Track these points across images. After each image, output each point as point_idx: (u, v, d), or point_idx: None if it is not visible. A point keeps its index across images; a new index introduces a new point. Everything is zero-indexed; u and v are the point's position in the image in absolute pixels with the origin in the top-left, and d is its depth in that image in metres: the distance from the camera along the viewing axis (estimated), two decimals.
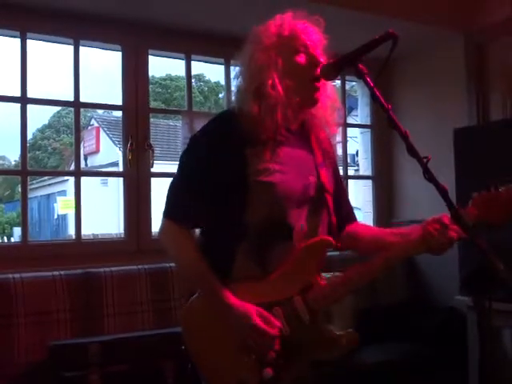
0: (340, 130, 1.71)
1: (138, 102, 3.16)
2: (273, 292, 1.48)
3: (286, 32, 1.51)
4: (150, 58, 3.26)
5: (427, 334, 3.29)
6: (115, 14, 3.02)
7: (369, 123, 4.10)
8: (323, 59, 1.51)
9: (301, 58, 1.51)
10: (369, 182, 4.10)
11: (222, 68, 3.55)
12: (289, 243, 1.50)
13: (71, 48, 3.03)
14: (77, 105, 3.07)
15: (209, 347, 1.49)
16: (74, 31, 3.01)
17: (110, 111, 14.87)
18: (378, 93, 1.35)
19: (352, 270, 1.49)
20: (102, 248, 3.09)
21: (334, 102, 1.60)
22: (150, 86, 3.51)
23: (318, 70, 1.50)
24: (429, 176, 1.27)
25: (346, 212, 1.72)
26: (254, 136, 1.49)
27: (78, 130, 3.13)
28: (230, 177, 1.48)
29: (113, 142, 15.15)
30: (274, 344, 1.44)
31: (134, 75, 3.16)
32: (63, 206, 14.70)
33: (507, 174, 2.23)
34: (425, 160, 1.27)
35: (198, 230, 1.63)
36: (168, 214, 1.55)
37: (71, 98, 3.03)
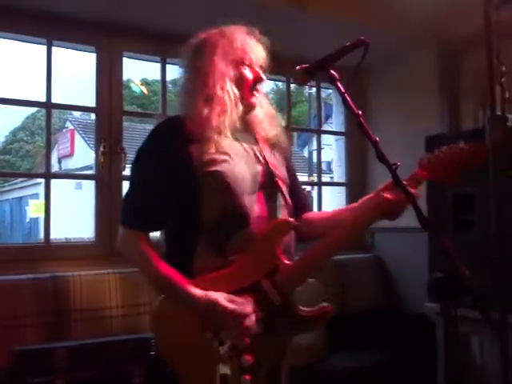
0: (287, 133, 1.82)
1: (112, 104, 3.13)
2: (240, 279, 1.49)
3: (238, 45, 1.64)
4: (128, 61, 3.23)
5: (398, 341, 3.32)
6: (90, 16, 2.99)
7: (343, 130, 4.13)
8: (264, 76, 1.67)
9: (247, 72, 1.64)
10: (343, 189, 4.13)
11: None
12: (247, 230, 1.52)
13: (44, 48, 2.99)
14: (48, 106, 3.03)
15: (184, 348, 1.48)
16: (48, 32, 2.97)
17: (86, 114, 14.69)
18: (348, 98, 1.36)
19: (314, 247, 1.54)
20: (72, 252, 3.03)
21: (269, 109, 1.75)
22: (127, 89, 3.48)
23: (261, 83, 1.66)
24: (398, 182, 1.29)
25: (300, 200, 1.78)
26: (198, 135, 1.54)
27: (49, 132, 3.07)
28: (178, 175, 1.53)
29: (88, 145, 14.98)
30: (250, 324, 1.45)
31: (108, 77, 3.13)
32: (35, 209, 14.46)
33: (477, 182, 2.27)
34: (394, 167, 1.29)
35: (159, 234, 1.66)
36: (123, 221, 1.58)
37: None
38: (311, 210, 1.84)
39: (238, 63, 1.63)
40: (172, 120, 1.65)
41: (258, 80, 1.65)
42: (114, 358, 2.41)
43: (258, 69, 1.66)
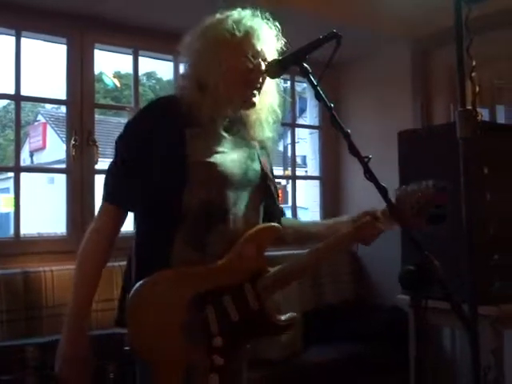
0: (277, 131, 1.72)
1: (83, 97, 3.08)
2: (222, 278, 1.47)
3: (240, 32, 1.51)
4: (100, 53, 3.19)
5: (372, 333, 3.35)
6: (61, 7, 2.93)
7: (317, 124, 4.14)
8: (265, 70, 1.53)
9: (247, 63, 1.52)
10: (317, 183, 4.14)
11: (172, 65, 3.50)
12: (227, 226, 1.49)
13: (13, 40, 2.93)
14: (18, 98, 2.96)
15: (155, 337, 1.44)
16: (17, 22, 2.91)
17: (58, 107, 14.47)
18: (321, 91, 1.35)
19: (300, 260, 1.54)
20: (43, 247, 2.97)
21: (271, 105, 1.63)
22: (99, 82, 3.44)
23: (260, 78, 1.53)
24: (369, 175, 1.29)
25: (279, 207, 1.75)
26: (193, 118, 1.48)
27: (18, 125, 3.02)
28: (167, 156, 1.47)
29: (60, 138, 14.76)
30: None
31: (80, 70, 3.07)
32: (5, 203, 14.21)
33: (449, 175, 2.29)
34: (365, 159, 1.29)
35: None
36: (105, 197, 1.53)
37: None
38: (283, 215, 1.79)
39: (239, 56, 1.51)
40: (167, 98, 1.56)
41: (256, 74, 1.53)
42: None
43: (260, 62, 1.52)
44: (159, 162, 1.46)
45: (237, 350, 1.49)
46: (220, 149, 1.51)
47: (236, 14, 1.55)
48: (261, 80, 1.54)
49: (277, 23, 1.59)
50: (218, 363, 1.42)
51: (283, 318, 1.52)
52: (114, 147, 1.55)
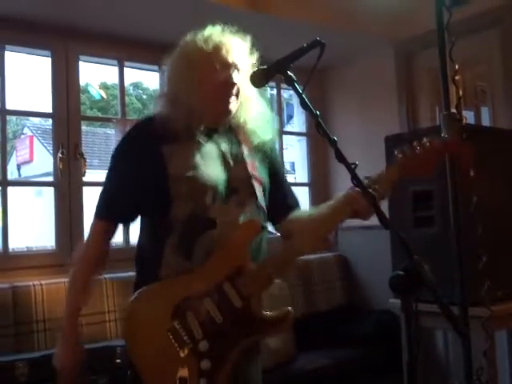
0: (275, 137, 1.75)
1: (69, 109, 3.08)
2: (202, 281, 1.48)
3: (208, 47, 1.56)
4: (86, 65, 3.18)
5: (365, 338, 3.35)
6: (44, 19, 2.93)
7: (305, 131, 4.16)
8: (237, 79, 1.57)
9: (218, 76, 1.55)
10: (305, 189, 4.15)
11: (158, 75, 3.50)
12: (214, 234, 1.50)
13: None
14: (3, 112, 2.95)
15: (148, 349, 1.48)
16: (0, 36, 2.89)
17: (45, 119, 14.43)
18: (306, 99, 1.36)
19: (279, 251, 1.52)
20: (32, 261, 2.95)
21: (262, 109, 1.66)
22: (86, 94, 3.43)
23: (232, 89, 1.57)
24: (357, 182, 1.29)
25: (286, 203, 1.74)
26: (170, 135, 1.52)
27: (4, 139, 2.99)
28: (151, 175, 1.52)
29: (48, 151, 14.67)
30: None
31: (65, 82, 3.07)
32: None
33: (436, 178, 2.31)
34: (352, 166, 1.29)
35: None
36: (94, 215, 1.61)
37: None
38: (298, 208, 1.76)
39: (209, 68, 1.55)
40: (145, 120, 1.62)
41: (226, 82, 1.56)
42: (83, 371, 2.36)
43: (231, 73, 1.56)
44: (145, 182, 1.53)
45: (227, 352, 1.46)
46: (200, 161, 1.53)
47: (206, 31, 1.61)
48: (234, 91, 1.57)
49: (248, 37, 1.63)
50: (206, 367, 1.42)
51: (272, 312, 1.50)
52: (109, 165, 1.64)
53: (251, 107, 1.65)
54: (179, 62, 1.59)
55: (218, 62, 1.56)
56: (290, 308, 1.52)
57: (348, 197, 1.50)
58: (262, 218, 1.62)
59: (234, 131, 1.65)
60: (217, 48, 1.57)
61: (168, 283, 1.50)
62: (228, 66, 1.57)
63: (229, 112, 1.59)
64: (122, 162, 1.61)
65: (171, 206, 1.50)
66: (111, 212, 1.60)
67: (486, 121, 3.36)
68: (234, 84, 1.57)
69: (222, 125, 1.63)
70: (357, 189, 1.38)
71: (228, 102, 1.57)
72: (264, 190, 1.65)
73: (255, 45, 1.63)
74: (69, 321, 1.60)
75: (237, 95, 1.59)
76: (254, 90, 1.62)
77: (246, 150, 1.64)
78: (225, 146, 1.61)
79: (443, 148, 1.51)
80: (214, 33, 1.59)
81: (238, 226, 1.54)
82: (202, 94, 1.55)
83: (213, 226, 1.51)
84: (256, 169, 1.64)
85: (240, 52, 1.60)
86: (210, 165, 1.55)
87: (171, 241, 1.51)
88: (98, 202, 1.62)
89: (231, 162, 1.59)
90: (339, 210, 1.52)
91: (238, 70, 1.58)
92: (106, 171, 1.63)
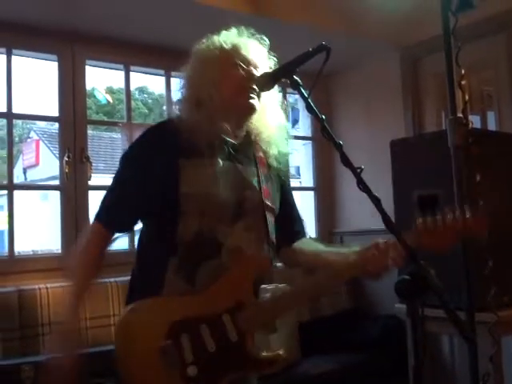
0: (289, 145, 1.71)
1: (76, 113, 3.09)
2: (202, 307, 1.44)
3: (227, 46, 1.54)
4: (92, 69, 3.20)
5: (370, 343, 3.34)
6: (51, 24, 2.95)
7: (310, 135, 4.16)
8: (257, 74, 1.52)
9: (238, 72, 1.51)
10: (311, 193, 4.15)
11: (163, 80, 3.52)
12: (218, 260, 1.46)
13: (4, 57, 2.94)
14: (10, 116, 2.96)
15: (135, 360, 1.43)
16: (7, 40, 2.92)
17: (51, 123, 14.48)
18: (311, 103, 1.36)
19: (284, 293, 1.49)
20: (38, 264, 2.96)
21: (278, 119, 1.62)
22: (92, 98, 3.45)
23: (253, 83, 1.51)
24: (362, 186, 1.28)
25: (293, 229, 1.71)
26: (189, 146, 1.46)
27: (11, 143, 3.02)
28: (161, 188, 1.47)
29: (54, 154, 14.72)
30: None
31: (71, 86, 3.08)
32: (0, 221, 14.14)
33: (442, 183, 2.31)
34: (358, 170, 1.28)
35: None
36: (96, 215, 1.56)
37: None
38: (303, 237, 1.72)
39: (229, 65, 1.51)
40: (161, 125, 1.57)
41: (247, 76, 1.51)
42: (83, 371, 2.36)
43: (251, 69, 1.51)
44: (154, 193, 1.47)
45: (215, 381, 1.42)
46: (214, 179, 1.48)
47: (222, 34, 1.58)
48: (255, 86, 1.51)
49: (264, 37, 1.60)
50: None
51: (266, 353, 1.46)
52: (118, 165, 1.58)
53: (268, 115, 1.60)
54: (198, 65, 1.54)
55: (238, 58, 1.52)
56: (281, 351, 1.48)
57: (363, 256, 1.43)
58: (271, 251, 1.57)
59: (252, 147, 1.60)
60: (236, 46, 1.54)
61: (168, 300, 1.46)
62: (248, 63, 1.52)
63: (252, 108, 1.53)
64: (130, 167, 1.54)
65: (178, 222, 1.45)
66: (109, 219, 1.53)
67: (492, 125, 3.35)
68: (256, 79, 1.51)
69: (244, 128, 1.58)
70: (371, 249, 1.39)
71: (250, 97, 1.52)
72: (274, 217, 1.60)
73: (272, 49, 1.60)
74: (69, 314, 1.51)
75: (258, 94, 1.53)
76: (271, 97, 1.59)
77: (262, 173, 1.59)
78: (242, 167, 1.55)
79: (467, 229, 1.40)
80: (231, 34, 1.57)
81: (247, 257, 1.49)
82: (224, 90, 1.50)
83: (218, 252, 1.46)
84: (270, 196, 1.59)
85: (259, 53, 1.57)
86: (224, 185, 1.49)
87: (174, 261, 1.46)
88: (101, 204, 1.56)
89: (246, 185, 1.54)
90: (349, 266, 1.46)
91: (257, 69, 1.53)
92: (114, 173, 1.57)
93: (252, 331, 1.45)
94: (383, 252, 1.40)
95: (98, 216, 1.54)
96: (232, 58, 1.52)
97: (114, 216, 1.53)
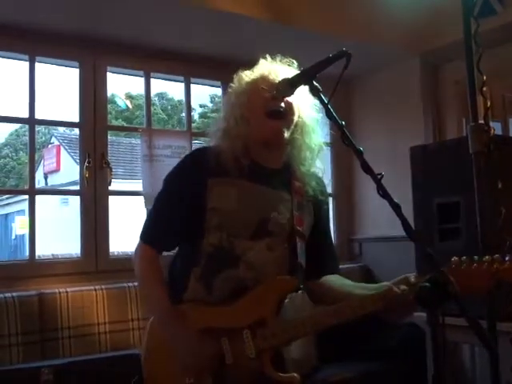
0: (323, 167, 1.74)
1: (96, 119, 3.12)
2: (225, 319, 1.51)
3: (256, 75, 1.62)
4: (112, 75, 3.24)
5: (389, 351, 3.30)
6: (73, 31, 2.99)
7: (329, 141, 4.14)
8: (279, 98, 1.56)
9: (263, 92, 1.56)
10: (329, 200, 4.12)
11: (183, 86, 3.54)
12: (234, 273, 1.53)
13: (27, 64, 2.98)
14: (32, 122, 3.01)
15: (162, 371, 1.52)
16: (30, 48, 2.96)
17: (72, 129, 14.65)
18: (331, 109, 1.35)
19: (306, 316, 1.50)
20: (58, 269, 2.99)
21: (309, 140, 1.64)
22: (112, 104, 3.49)
23: (280, 102, 1.55)
24: (382, 192, 1.28)
25: (324, 262, 1.73)
26: (218, 168, 1.56)
27: (32, 148, 3.06)
28: (192, 205, 1.57)
29: (74, 160, 14.89)
30: (205, 367, 1.46)
31: (92, 92, 3.12)
32: (21, 225, 14.32)
33: (463, 190, 2.29)
34: (378, 176, 1.28)
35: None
36: (141, 236, 1.66)
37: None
38: (333, 272, 1.74)
39: (254, 91, 1.58)
40: (200, 150, 1.68)
41: (274, 102, 1.55)
42: (101, 376, 2.37)
43: (274, 93, 1.51)
44: (187, 211, 1.58)
45: None
46: (237, 197, 1.56)
47: (259, 63, 1.66)
48: (283, 106, 1.55)
49: (293, 60, 1.65)
50: None
51: (282, 374, 1.48)
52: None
53: (306, 137, 1.63)
54: (230, 96, 1.66)
55: (264, 83, 1.57)
56: (295, 374, 1.51)
57: (387, 290, 1.47)
58: (299, 274, 1.60)
59: (291, 175, 1.65)
60: (263, 73, 1.61)
61: (192, 309, 1.54)
62: (273, 86, 1.53)
63: (279, 131, 1.57)
64: (169, 187, 1.66)
65: (203, 236, 1.55)
66: (155, 241, 1.63)
67: None
68: (282, 99, 1.55)
69: (281, 154, 1.63)
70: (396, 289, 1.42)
71: (277, 118, 1.56)
72: (303, 244, 1.63)
73: (291, 57, 1.65)
74: (167, 317, 1.55)
75: (289, 119, 1.58)
76: (309, 118, 1.63)
77: (297, 200, 1.63)
78: (272, 191, 1.61)
79: (502, 276, 1.33)
80: (263, 63, 1.65)
81: (278, 279, 1.54)
82: (250, 114, 1.58)
83: (235, 264, 1.53)
84: (302, 223, 1.63)
85: (286, 74, 1.56)
86: (247, 203, 1.57)
87: (197, 270, 1.56)
88: (144, 223, 1.67)
89: (272, 207, 1.59)
90: (371, 298, 1.50)
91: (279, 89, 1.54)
92: (158, 193, 1.68)
93: (270, 349, 1.48)
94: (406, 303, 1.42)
95: (144, 237, 1.65)
96: (258, 83, 1.58)
97: (160, 238, 1.64)
